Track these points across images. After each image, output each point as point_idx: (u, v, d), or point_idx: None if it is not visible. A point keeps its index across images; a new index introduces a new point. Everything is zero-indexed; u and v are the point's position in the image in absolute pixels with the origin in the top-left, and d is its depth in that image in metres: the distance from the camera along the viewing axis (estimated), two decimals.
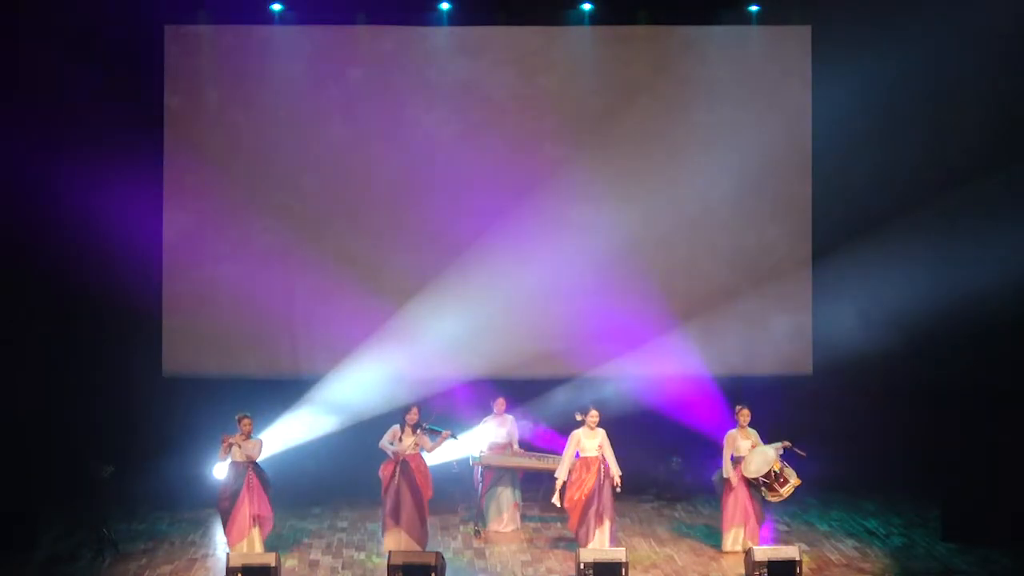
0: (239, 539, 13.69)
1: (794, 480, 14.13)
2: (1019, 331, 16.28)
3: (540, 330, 16.96)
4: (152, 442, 16.50)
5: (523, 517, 15.34)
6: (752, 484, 14.14)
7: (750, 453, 14.18)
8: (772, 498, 14.16)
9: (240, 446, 13.73)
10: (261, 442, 13.94)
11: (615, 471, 13.95)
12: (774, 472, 14.06)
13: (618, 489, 13.96)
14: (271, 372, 16.98)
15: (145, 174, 16.65)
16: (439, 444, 14.15)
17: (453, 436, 14.30)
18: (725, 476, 14.23)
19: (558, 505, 14.07)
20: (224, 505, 13.78)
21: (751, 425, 14.33)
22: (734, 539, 14.14)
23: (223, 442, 13.71)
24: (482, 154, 16.99)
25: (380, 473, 14.12)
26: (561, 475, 14.04)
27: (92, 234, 16.05)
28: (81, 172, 16.03)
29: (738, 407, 14.45)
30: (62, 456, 15.87)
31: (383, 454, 14.10)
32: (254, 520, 13.72)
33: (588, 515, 13.90)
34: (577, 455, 14.01)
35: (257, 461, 13.86)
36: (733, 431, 14.35)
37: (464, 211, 16.93)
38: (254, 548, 13.61)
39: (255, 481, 13.77)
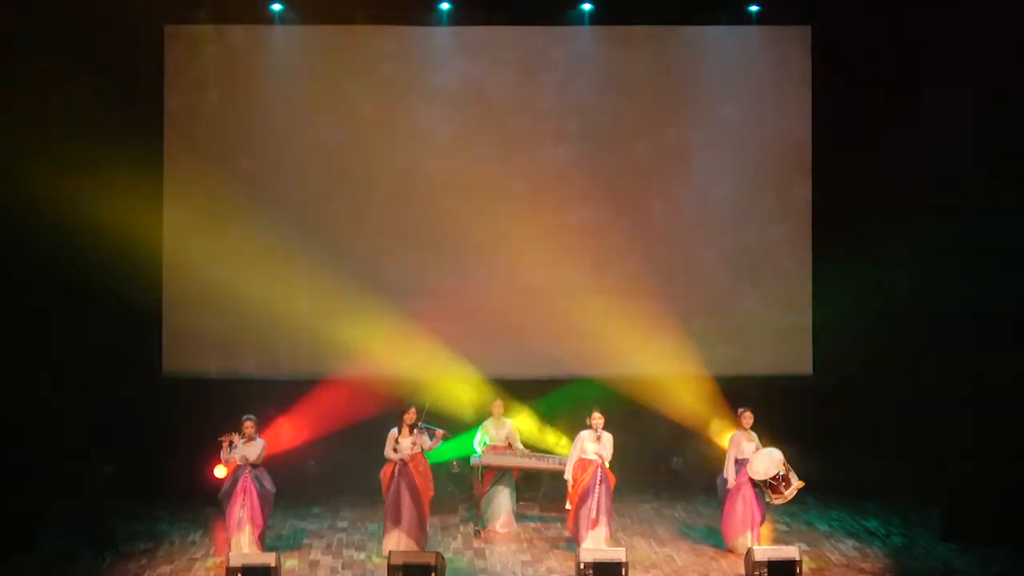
0: (226, 540, 13.74)
1: (797, 483, 14.13)
2: (1018, 330, 16.26)
3: (540, 330, 16.92)
4: (152, 442, 16.50)
5: (520, 518, 15.33)
6: (756, 485, 14.14)
7: (756, 454, 14.15)
8: (776, 500, 14.15)
9: (238, 446, 13.75)
10: (262, 445, 13.95)
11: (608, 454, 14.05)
12: (780, 474, 14.05)
13: (606, 450, 14.00)
14: (271, 372, 16.98)
15: (145, 174, 16.65)
16: (436, 443, 14.19)
17: (447, 436, 14.34)
18: (726, 477, 14.23)
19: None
20: (222, 507, 13.83)
21: (752, 428, 14.34)
22: (743, 543, 14.03)
23: (223, 441, 13.75)
24: (482, 154, 16.99)
25: (381, 475, 14.15)
26: (568, 475, 14.13)
27: (92, 234, 16.03)
28: (81, 172, 16.01)
29: (740, 409, 14.45)
30: (62, 456, 15.85)
31: (383, 455, 14.12)
32: (243, 522, 13.70)
33: (580, 515, 13.95)
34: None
35: (260, 463, 13.88)
36: (737, 433, 14.33)
37: (463, 211, 16.89)
38: (242, 550, 13.57)
39: (251, 485, 13.77)
